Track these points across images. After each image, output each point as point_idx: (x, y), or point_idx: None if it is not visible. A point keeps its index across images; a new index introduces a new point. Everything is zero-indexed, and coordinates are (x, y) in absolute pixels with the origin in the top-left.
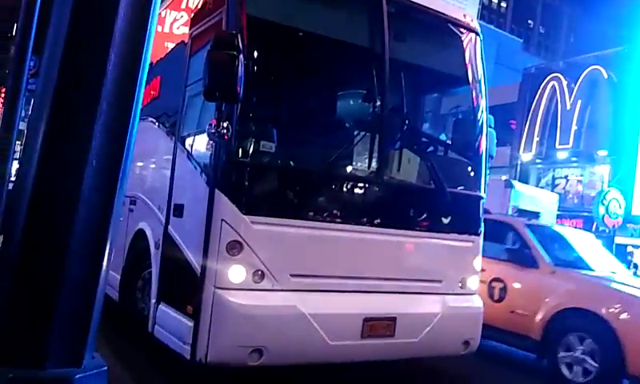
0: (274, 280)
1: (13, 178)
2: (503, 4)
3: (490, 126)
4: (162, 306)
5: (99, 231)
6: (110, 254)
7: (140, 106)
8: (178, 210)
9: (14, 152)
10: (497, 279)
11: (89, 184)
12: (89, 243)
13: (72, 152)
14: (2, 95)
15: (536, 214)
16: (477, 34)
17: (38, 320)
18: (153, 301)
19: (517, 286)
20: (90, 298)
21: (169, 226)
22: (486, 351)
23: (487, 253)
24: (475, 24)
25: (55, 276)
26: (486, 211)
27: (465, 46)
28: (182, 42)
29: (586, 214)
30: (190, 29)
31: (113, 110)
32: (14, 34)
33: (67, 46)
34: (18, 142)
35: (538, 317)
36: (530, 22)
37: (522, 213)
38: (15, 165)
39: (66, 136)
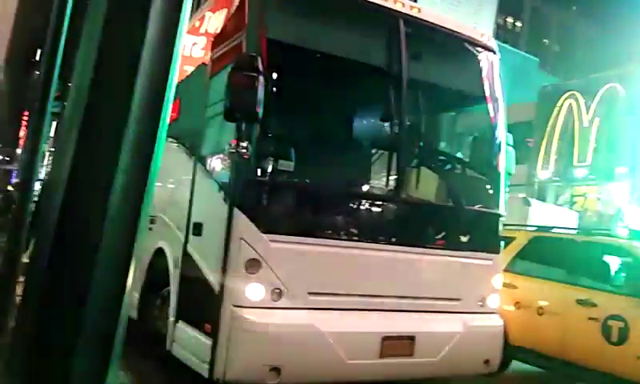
0: (292, 298)
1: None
2: (518, 23)
3: (509, 144)
4: (180, 324)
5: (125, 249)
6: (134, 273)
7: (166, 127)
8: (197, 229)
9: (39, 173)
10: (615, 317)
11: (115, 201)
12: (115, 261)
13: (99, 170)
14: (25, 118)
15: None
16: (494, 52)
17: (63, 338)
18: (171, 319)
19: None
20: (114, 316)
21: (188, 245)
22: None
23: (597, 284)
24: (492, 43)
25: (82, 293)
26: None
27: (482, 64)
28: (202, 64)
29: (597, 231)
30: (210, 51)
31: (140, 130)
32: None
33: (97, 67)
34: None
35: None
36: (545, 40)
37: (633, 234)
38: (38, 186)
39: (94, 155)
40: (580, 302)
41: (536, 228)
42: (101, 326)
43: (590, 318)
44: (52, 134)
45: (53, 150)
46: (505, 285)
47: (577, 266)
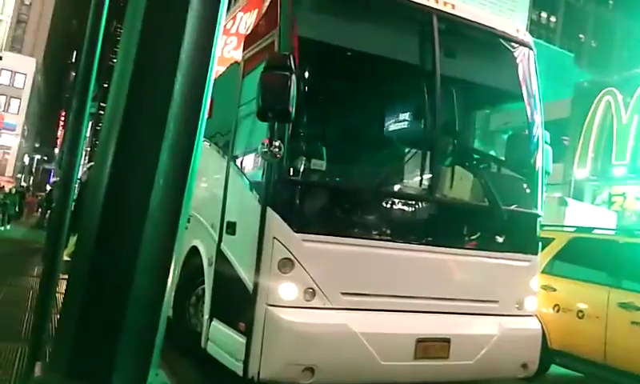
0: (325, 298)
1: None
2: (552, 18)
3: (546, 142)
4: (214, 323)
5: (165, 248)
6: (174, 270)
7: (204, 128)
8: (231, 228)
9: (78, 173)
10: None
11: (155, 202)
12: (155, 260)
13: (140, 171)
14: (62, 119)
15: None
16: (530, 48)
17: (106, 336)
18: (206, 317)
19: None
20: (155, 314)
21: (221, 243)
22: None
23: None
24: (528, 38)
25: (124, 292)
26: None
27: (518, 60)
28: (234, 64)
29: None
30: (242, 51)
31: (179, 131)
32: (73, 59)
33: (136, 69)
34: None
35: None
36: (581, 36)
37: None
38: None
39: (134, 156)
40: (622, 305)
41: (575, 229)
42: (141, 324)
43: (633, 322)
44: (88, 134)
45: (90, 149)
46: (543, 287)
47: (619, 267)
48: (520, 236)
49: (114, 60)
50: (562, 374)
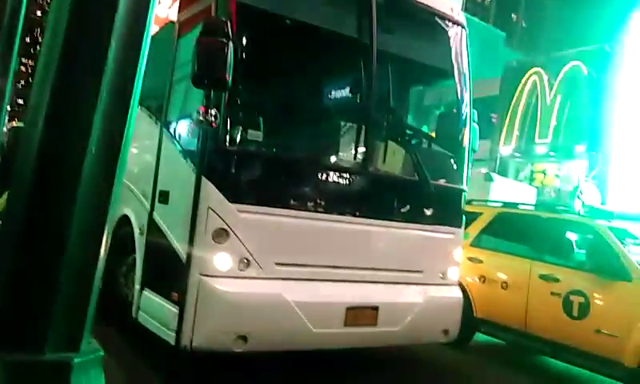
0: (260, 268)
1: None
2: None
3: (474, 121)
4: (146, 292)
5: (98, 218)
6: (107, 238)
7: (138, 95)
8: (164, 197)
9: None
10: (576, 292)
11: (88, 171)
12: (88, 229)
13: (72, 139)
14: None
15: (610, 215)
16: (463, 27)
17: (37, 304)
18: (137, 287)
19: (602, 301)
20: (89, 280)
21: (154, 213)
22: None
23: (560, 260)
24: (462, 18)
25: (56, 258)
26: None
27: (451, 39)
28: (169, 24)
29: (561, 208)
30: (178, 13)
31: (113, 98)
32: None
33: (68, 35)
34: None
35: (634, 340)
36: (513, 15)
37: (593, 212)
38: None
39: (66, 122)
40: (543, 277)
41: (502, 204)
42: (74, 293)
43: (553, 293)
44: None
45: (10, 109)
46: (470, 259)
47: (541, 242)
48: (446, 210)
49: (38, 13)
50: (485, 342)
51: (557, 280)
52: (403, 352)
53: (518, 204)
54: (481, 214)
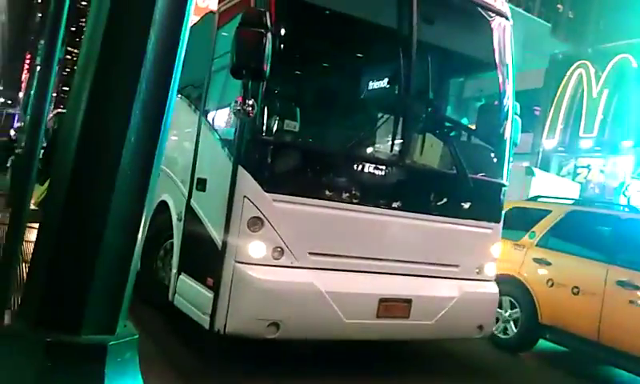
0: (293, 257)
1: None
2: None
3: (516, 114)
4: (182, 277)
5: (135, 206)
6: (145, 225)
7: (177, 85)
8: (201, 184)
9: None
10: None
11: (127, 159)
12: (126, 216)
13: (111, 128)
14: (27, 61)
15: None
16: (507, 18)
17: (76, 286)
18: (174, 271)
19: None
20: (125, 267)
21: (191, 200)
22: None
23: None
24: (506, 8)
25: (94, 244)
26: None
27: (494, 30)
28: (209, 14)
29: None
30: (218, 3)
31: (151, 88)
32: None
33: (108, 26)
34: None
35: None
36: (559, 6)
37: None
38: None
39: (106, 111)
40: (621, 283)
41: (574, 201)
42: (111, 276)
43: (632, 302)
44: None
45: (56, 95)
46: (537, 260)
47: (619, 244)
48: (484, 204)
49: (83, 2)
50: (549, 349)
51: (636, 287)
52: (459, 357)
53: (592, 202)
54: (549, 211)
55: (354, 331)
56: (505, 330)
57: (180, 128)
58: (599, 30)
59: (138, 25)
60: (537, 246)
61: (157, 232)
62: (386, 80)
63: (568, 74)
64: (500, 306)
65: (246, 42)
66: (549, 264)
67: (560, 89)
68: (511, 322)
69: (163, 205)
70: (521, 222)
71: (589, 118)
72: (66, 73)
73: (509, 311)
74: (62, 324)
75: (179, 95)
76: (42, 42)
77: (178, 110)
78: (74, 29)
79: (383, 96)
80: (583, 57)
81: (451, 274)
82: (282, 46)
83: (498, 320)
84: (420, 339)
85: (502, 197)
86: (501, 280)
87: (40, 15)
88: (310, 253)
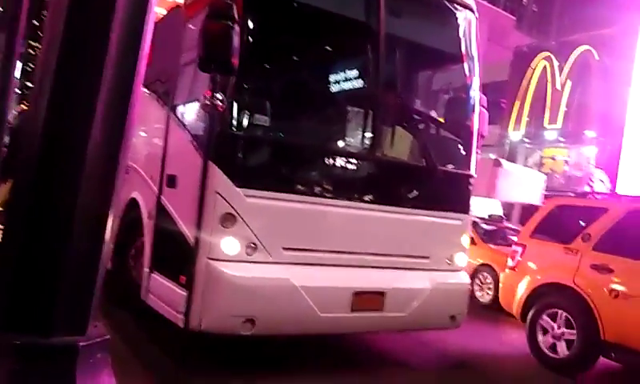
0: (267, 253)
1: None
2: None
3: (483, 106)
4: (154, 275)
5: (102, 202)
6: (112, 224)
7: (141, 80)
8: (171, 181)
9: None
10: None
11: (92, 157)
12: (93, 213)
13: (75, 126)
14: None
15: None
16: (472, 11)
17: (43, 287)
18: (146, 269)
19: None
20: (94, 266)
21: (162, 197)
22: None
23: None
24: (471, 1)
25: (61, 244)
26: None
27: (460, 23)
28: (176, 8)
29: (571, 194)
30: None
31: (115, 84)
32: None
33: (69, 19)
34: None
35: None
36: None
37: None
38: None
39: (69, 108)
40: None
41: (634, 197)
42: (80, 276)
43: None
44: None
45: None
46: (595, 267)
47: None
48: (453, 196)
49: None
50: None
51: None
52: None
53: None
54: (604, 210)
55: (329, 325)
56: (553, 348)
57: (149, 124)
58: (563, 22)
59: (100, 19)
60: (594, 250)
61: (127, 230)
62: (355, 73)
63: (532, 66)
64: (553, 319)
65: (214, 35)
66: (610, 271)
67: (524, 81)
68: (562, 341)
69: (133, 202)
70: (567, 222)
71: (553, 110)
72: (30, 69)
73: (562, 328)
74: (30, 326)
75: (147, 90)
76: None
77: (146, 105)
78: (36, 23)
79: (352, 90)
80: (547, 49)
81: (423, 266)
82: (251, 38)
83: (546, 333)
84: (394, 330)
85: (469, 188)
86: (550, 290)
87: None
88: (283, 248)
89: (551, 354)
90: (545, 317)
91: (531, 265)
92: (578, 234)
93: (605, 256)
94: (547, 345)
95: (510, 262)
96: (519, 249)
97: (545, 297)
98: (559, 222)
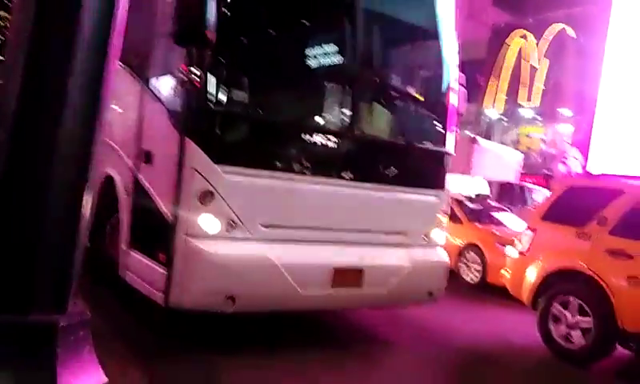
0: (246, 230)
1: None
2: None
3: (461, 84)
4: (133, 253)
5: (79, 179)
6: (90, 198)
7: (116, 52)
8: (148, 157)
9: None
10: None
11: (67, 131)
12: (70, 183)
13: (48, 100)
14: None
15: None
16: None
17: (21, 266)
18: (123, 247)
19: None
20: (72, 244)
21: (138, 173)
22: None
23: None
24: None
25: (37, 221)
26: None
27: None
28: None
29: (546, 171)
30: None
31: (88, 57)
32: None
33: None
34: None
35: None
36: None
37: None
38: None
39: (42, 84)
40: None
41: None
42: (59, 254)
43: None
44: None
45: None
46: (613, 252)
47: None
48: (429, 172)
49: None
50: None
51: None
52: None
53: None
54: (620, 192)
55: (309, 302)
56: (568, 338)
57: (123, 98)
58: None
59: None
60: (610, 234)
61: (104, 207)
62: (334, 49)
63: (509, 43)
64: (565, 306)
65: (190, 7)
66: (630, 257)
67: (500, 57)
68: (577, 330)
69: (110, 179)
70: (581, 204)
71: (529, 88)
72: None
73: (577, 316)
74: (7, 304)
75: (122, 64)
76: None
77: (121, 79)
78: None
79: (330, 66)
80: (524, 26)
81: (400, 242)
82: (228, 11)
83: (559, 322)
84: (373, 307)
85: (446, 164)
86: (562, 276)
87: None
88: (262, 225)
89: (565, 344)
90: (556, 304)
91: (542, 250)
92: (593, 218)
93: (623, 241)
94: (560, 334)
95: (519, 246)
96: (530, 233)
97: (557, 284)
98: (572, 205)
